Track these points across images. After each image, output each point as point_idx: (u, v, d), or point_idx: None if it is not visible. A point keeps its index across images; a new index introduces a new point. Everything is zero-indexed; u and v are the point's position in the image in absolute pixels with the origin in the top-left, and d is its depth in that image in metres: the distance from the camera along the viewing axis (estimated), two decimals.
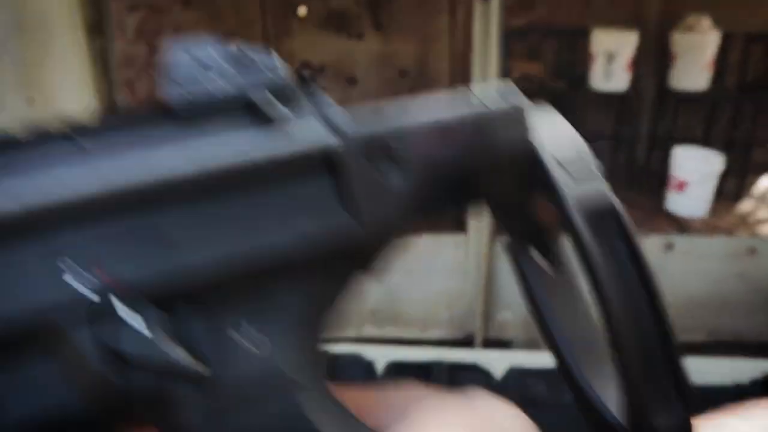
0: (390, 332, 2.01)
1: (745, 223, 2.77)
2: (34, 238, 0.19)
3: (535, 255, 0.29)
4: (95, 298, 0.20)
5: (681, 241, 1.91)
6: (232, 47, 0.23)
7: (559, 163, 0.26)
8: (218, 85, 0.22)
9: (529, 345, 1.89)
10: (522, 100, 0.26)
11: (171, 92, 0.22)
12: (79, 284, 0.20)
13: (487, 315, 1.98)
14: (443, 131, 0.25)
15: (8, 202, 0.19)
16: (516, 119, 0.26)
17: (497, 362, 1.77)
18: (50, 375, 0.20)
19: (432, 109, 0.25)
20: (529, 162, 0.26)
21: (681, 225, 2.58)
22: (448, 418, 0.25)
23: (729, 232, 2.65)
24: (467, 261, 2.01)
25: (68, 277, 0.19)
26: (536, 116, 0.27)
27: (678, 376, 0.24)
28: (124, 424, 0.23)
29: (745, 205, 2.87)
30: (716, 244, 2.01)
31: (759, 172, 2.99)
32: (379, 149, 0.24)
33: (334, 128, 0.23)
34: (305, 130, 0.23)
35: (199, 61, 0.22)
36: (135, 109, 0.22)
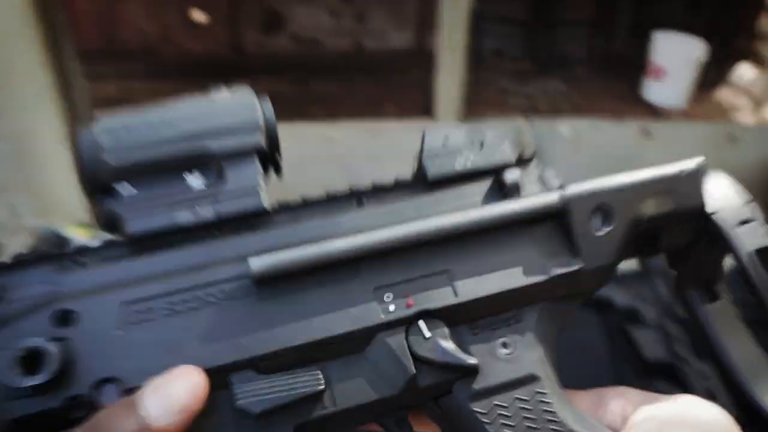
0: None
1: (725, 110, 2.70)
2: (362, 271, 0.31)
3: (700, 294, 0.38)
4: (404, 319, 0.31)
5: (659, 128, 1.85)
6: (474, 130, 0.33)
7: (733, 223, 0.33)
8: (463, 163, 0.34)
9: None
10: (701, 164, 0.35)
11: (428, 167, 0.34)
12: (398, 309, 0.31)
13: None
14: (645, 190, 0.33)
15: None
16: (696, 181, 0.34)
17: None
18: (373, 371, 0.30)
19: (645, 173, 0.34)
20: (702, 218, 0.35)
21: (657, 113, 2.50)
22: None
23: (708, 119, 2.59)
24: None
25: (391, 305, 0.31)
26: (712, 178, 0.35)
27: None
28: (409, 413, 0.33)
29: (724, 93, 2.79)
30: (695, 130, 1.96)
31: (741, 60, 2.90)
32: (596, 207, 0.33)
33: (556, 190, 0.34)
34: (542, 196, 0.33)
35: (446, 143, 0.34)
36: (400, 182, 0.35)
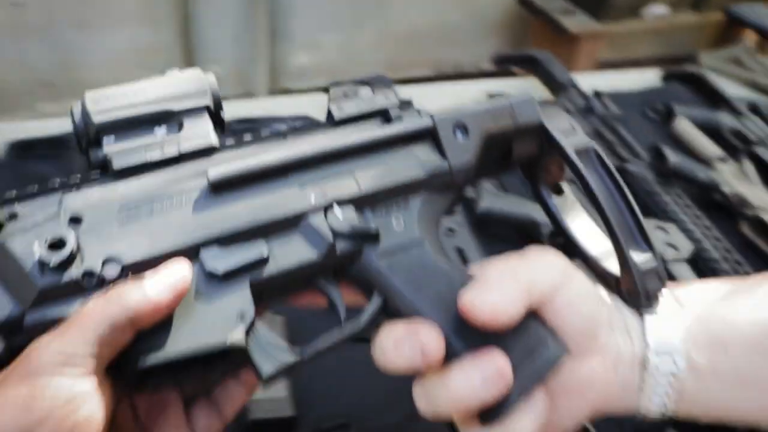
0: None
1: None
2: (290, 176, 0.43)
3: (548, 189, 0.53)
4: (323, 206, 0.43)
5: None
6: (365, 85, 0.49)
7: (561, 132, 0.48)
8: (360, 106, 0.48)
9: (243, 98, 1.65)
10: (530, 96, 0.49)
11: (333, 111, 0.48)
12: (317, 199, 0.43)
13: None
14: (492, 114, 0.48)
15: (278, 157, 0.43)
16: (532, 106, 0.49)
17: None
18: (303, 242, 0.42)
19: (489, 103, 0.49)
20: (541, 132, 0.49)
21: None
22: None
23: None
24: (156, 6, 1.61)
25: (312, 196, 0.43)
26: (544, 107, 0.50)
27: (645, 235, 0.45)
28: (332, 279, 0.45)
29: None
30: None
31: None
32: (455, 125, 0.47)
33: (429, 118, 0.47)
34: (417, 121, 0.48)
35: (347, 93, 0.49)
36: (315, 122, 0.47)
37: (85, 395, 0.34)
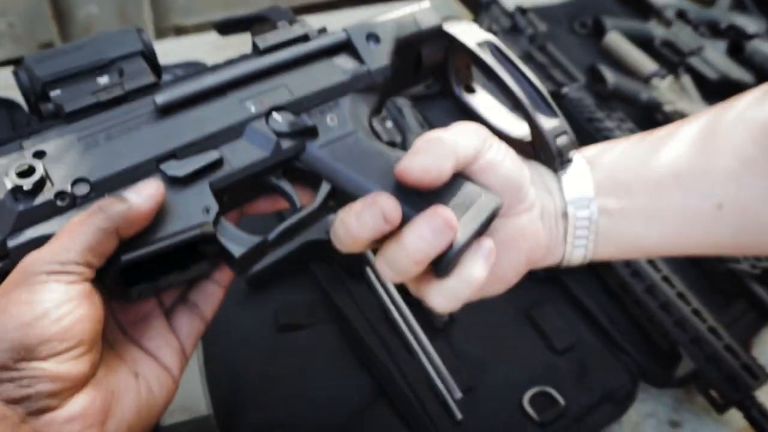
0: None
1: None
2: (228, 95, 0.48)
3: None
4: (263, 113, 0.48)
5: None
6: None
7: (460, 31, 0.54)
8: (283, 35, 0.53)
9: None
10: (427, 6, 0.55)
11: (258, 42, 0.52)
12: (257, 108, 0.48)
13: (64, 15, 1.57)
14: (398, 23, 0.54)
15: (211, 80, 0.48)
16: (433, 12, 0.55)
17: None
18: (250, 146, 0.47)
19: (394, 14, 0.54)
20: (444, 36, 0.54)
21: None
22: None
23: None
24: None
25: (252, 107, 0.48)
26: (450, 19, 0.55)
27: (549, 104, 0.51)
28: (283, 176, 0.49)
29: None
30: None
31: None
32: (371, 36, 0.53)
33: (344, 32, 0.53)
34: (334, 35, 0.53)
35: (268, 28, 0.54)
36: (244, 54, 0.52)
37: (79, 298, 0.38)
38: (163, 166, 0.44)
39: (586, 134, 0.99)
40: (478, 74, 0.56)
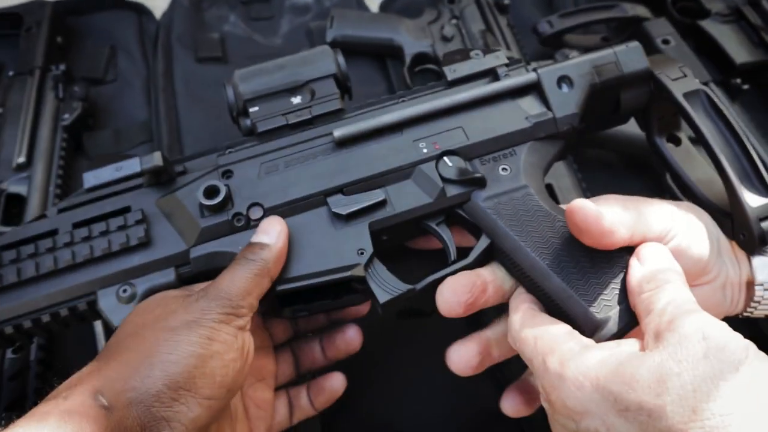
0: None
1: None
2: (404, 132, 0.49)
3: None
4: (434, 156, 0.48)
5: None
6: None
7: (669, 77, 0.50)
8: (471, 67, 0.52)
9: None
10: (635, 45, 0.52)
11: (446, 73, 0.52)
12: (429, 151, 0.48)
13: None
14: (597, 64, 0.50)
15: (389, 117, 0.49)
16: (638, 54, 0.51)
17: None
18: (416, 189, 0.48)
19: (595, 54, 0.51)
20: (649, 79, 0.51)
21: None
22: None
23: None
24: None
25: (424, 149, 0.48)
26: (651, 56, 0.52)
27: (762, 178, 0.45)
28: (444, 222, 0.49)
29: None
30: None
31: None
32: (563, 79, 0.50)
33: (534, 73, 0.51)
34: (523, 76, 0.51)
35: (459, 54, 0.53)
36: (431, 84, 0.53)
37: (242, 350, 0.41)
38: (330, 200, 0.47)
39: None
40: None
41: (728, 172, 0.45)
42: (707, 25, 0.85)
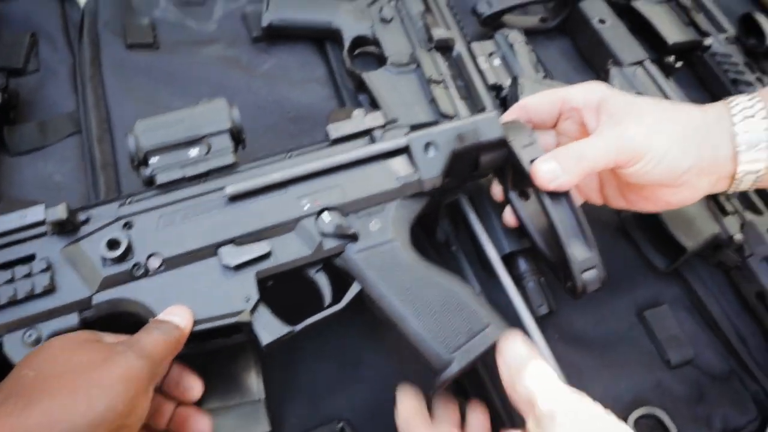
0: None
1: None
2: (290, 188, 0.53)
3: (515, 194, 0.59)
4: (314, 212, 0.52)
5: None
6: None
7: (521, 145, 0.55)
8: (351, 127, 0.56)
9: None
10: (493, 115, 0.57)
11: (330, 131, 0.56)
12: (310, 207, 0.52)
13: None
14: (459, 132, 0.55)
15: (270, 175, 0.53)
16: (495, 123, 0.56)
17: None
18: (297, 242, 0.52)
19: (458, 122, 0.56)
20: (504, 145, 0.56)
21: None
22: None
23: None
24: None
25: (306, 206, 0.52)
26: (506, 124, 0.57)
27: (587, 236, 0.52)
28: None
29: None
30: None
31: None
32: (430, 144, 0.55)
33: (405, 138, 0.55)
34: (395, 140, 0.55)
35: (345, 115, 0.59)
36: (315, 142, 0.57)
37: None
38: (221, 251, 0.50)
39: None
40: None
41: (557, 228, 0.51)
42: (641, 5, 0.87)
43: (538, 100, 0.58)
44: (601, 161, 0.52)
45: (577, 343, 0.62)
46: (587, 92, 0.55)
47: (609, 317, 0.64)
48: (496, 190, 0.60)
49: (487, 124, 0.56)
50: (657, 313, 0.65)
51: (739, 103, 0.51)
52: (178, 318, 0.47)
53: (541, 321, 0.61)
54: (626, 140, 0.51)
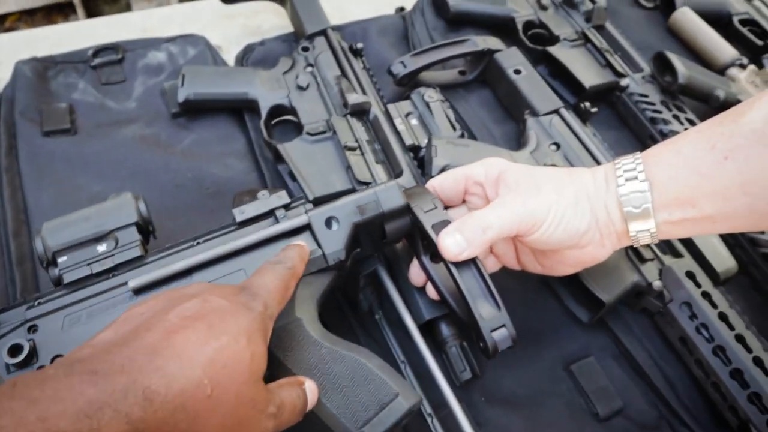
0: None
1: None
2: (194, 276, 0.53)
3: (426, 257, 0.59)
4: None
5: None
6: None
7: (423, 211, 0.56)
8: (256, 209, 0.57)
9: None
10: (392, 185, 0.57)
11: (236, 215, 0.56)
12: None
13: None
14: (360, 203, 0.56)
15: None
16: (396, 192, 0.57)
17: None
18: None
19: (357, 195, 0.57)
20: (408, 211, 0.57)
21: None
22: None
23: None
24: None
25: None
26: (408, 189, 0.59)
27: (494, 296, 0.52)
28: None
29: None
30: None
31: None
32: (331, 220, 0.56)
33: (306, 216, 0.55)
34: (296, 219, 0.55)
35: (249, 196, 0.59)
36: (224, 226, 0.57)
37: None
38: None
39: (648, 136, 0.84)
40: None
41: (464, 291, 0.52)
42: (557, 51, 0.88)
43: (443, 179, 0.60)
44: (505, 230, 0.53)
45: (505, 404, 0.62)
46: (487, 167, 0.57)
47: (537, 374, 0.64)
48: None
49: (388, 193, 0.57)
50: (584, 366, 0.65)
51: (623, 165, 0.52)
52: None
53: (467, 385, 0.61)
54: (527, 209, 0.53)
